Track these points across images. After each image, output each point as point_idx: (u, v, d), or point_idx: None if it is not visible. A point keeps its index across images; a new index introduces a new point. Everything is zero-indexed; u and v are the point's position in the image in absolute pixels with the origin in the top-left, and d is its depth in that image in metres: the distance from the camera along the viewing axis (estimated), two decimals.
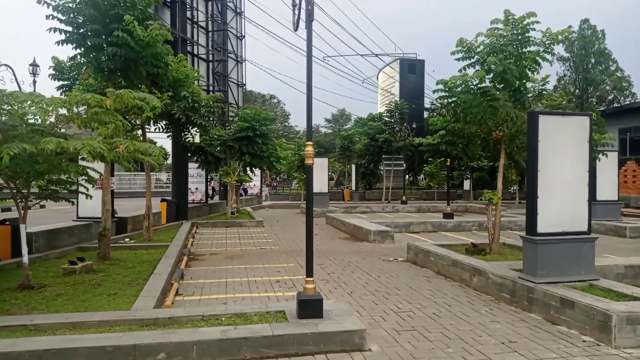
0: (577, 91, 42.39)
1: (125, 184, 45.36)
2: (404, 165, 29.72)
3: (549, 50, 9.10)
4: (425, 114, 35.40)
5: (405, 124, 28.16)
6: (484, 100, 8.78)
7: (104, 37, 8.87)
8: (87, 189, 7.85)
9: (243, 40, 25.40)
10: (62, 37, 8.85)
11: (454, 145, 9.94)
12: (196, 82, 14.08)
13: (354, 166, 33.06)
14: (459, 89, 9.30)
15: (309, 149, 5.51)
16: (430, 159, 22.66)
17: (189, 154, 17.62)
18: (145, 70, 9.37)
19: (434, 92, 9.93)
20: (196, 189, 20.45)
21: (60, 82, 12.90)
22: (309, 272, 5.45)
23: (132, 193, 39.27)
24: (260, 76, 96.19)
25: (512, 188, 29.61)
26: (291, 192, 36.42)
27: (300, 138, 32.49)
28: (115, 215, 12.98)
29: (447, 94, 9.59)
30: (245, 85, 26.19)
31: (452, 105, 9.74)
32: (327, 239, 14.00)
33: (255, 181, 29.72)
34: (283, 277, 8.64)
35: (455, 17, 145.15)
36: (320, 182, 21.47)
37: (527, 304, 6.46)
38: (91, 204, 11.23)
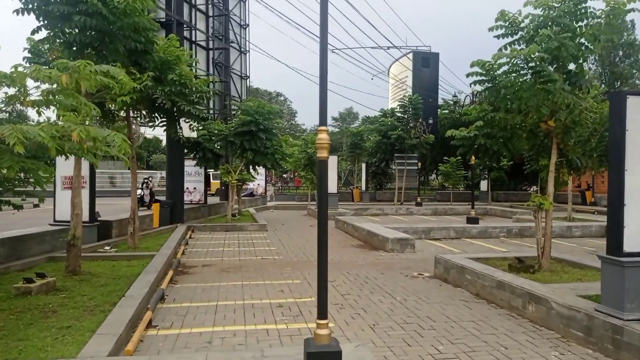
0: (603, 86, 39.86)
1: (127, 181, 44.07)
2: (419, 164, 27.95)
3: (613, 22, 7.45)
4: (439, 111, 33.57)
5: (420, 120, 26.30)
6: (536, 82, 7.13)
7: (72, 5, 7.28)
8: (40, 188, 6.27)
9: (247, 29, 23.74)
10: (20, 4, 7.28)
11: (493, 139, 8.31)
12: (192, 69, 12.49)
13: (364, 165, 31.31)
14: (501, 70, 7.64)
15: (323, 136, 3.85)
16: (464, 155, 20.70)
17: (186, 150, 16.03)
18: (122, 46, 7.78)
19: (467, 75, 8.24)
20: (194, 188, 18.86)
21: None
22: (322, 313, 3.82)
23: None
24: (266, 74, 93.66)
25: (533, 188, 27.79)
26: (297, 192, 34.81)
27: (308, 135, 30.76)
28: (98, 219, 11.48)
29: (484, 77, 7.94)
30: (249, 77, 24.51)
31: (492, 90, 8.08)
32: (338, 247, 12.36)
33: (259, 180, 28.17)
34: (287, 299, 7.04)
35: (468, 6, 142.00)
36: (330, 182, 19.83)
37: (613, 347, 4.81)
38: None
